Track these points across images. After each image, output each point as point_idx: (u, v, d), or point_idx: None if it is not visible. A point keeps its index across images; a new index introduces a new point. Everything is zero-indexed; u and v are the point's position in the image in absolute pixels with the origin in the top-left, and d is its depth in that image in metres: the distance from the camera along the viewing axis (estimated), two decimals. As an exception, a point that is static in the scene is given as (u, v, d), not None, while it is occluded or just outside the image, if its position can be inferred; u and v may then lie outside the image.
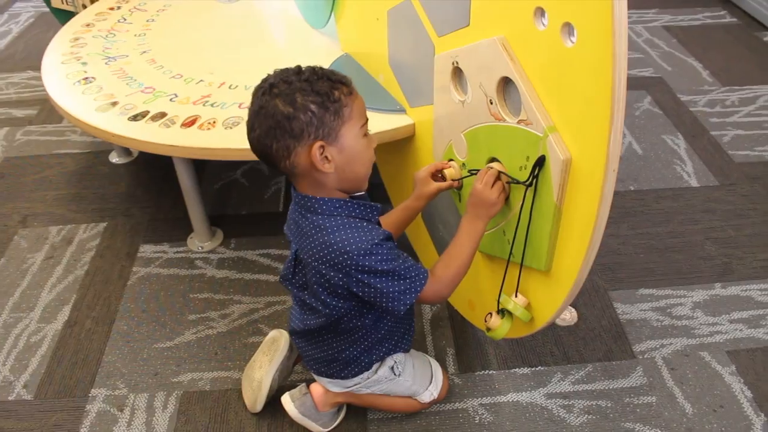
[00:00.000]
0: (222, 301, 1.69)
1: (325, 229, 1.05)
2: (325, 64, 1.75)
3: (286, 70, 1.03)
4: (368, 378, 1.29)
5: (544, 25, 0.95)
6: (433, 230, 1.59)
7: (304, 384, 1.37)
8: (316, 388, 1.35)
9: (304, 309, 1.21)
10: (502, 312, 1.24)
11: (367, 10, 1.59)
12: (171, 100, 1.66)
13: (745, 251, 1.85)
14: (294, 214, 1.12)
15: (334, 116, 1.00)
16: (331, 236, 1.04)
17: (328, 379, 1.31)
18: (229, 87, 1.71)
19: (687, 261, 1.81)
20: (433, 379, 1.38)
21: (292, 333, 1.31)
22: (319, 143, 0.99)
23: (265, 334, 1.59)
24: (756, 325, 1.63)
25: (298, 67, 1.03)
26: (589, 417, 1.41)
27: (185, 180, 1.71)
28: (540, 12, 0.95)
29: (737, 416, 1.43)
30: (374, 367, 1.29)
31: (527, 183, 1.05)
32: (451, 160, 1.32)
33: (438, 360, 1.47)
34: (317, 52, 1.87)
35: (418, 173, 1.27)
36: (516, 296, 1.22)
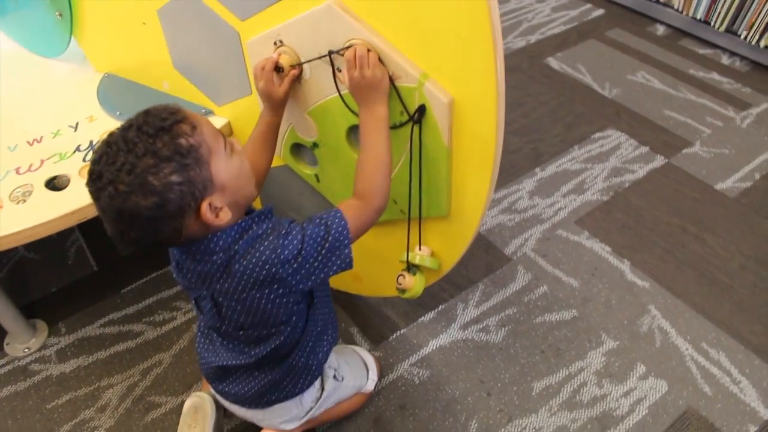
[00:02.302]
0: (90, 394, 1.43)
1: (233, 258, 0.92)
2: (85, 93, 1.54)
3: (111, 149, 0.81)
4: (319, 399, 1.21)
5: (387, -26, 0.91)
6: (288, 222, 1.50)
7: None
8: None
9: (246, 344, 1.07)
10: (411, 269, 1.22)
11: (126, 18, 1.38)
12: None
13: (542, 133, 2.05)
14: (188, 263, 0.96)
15: (198, 167, 0.84)
16: (244, 260, 0.91)
17: (281, 408, 1.18)
18: (-12, 155, 1.39)
19: (503, 158, 1.94)
20: (368, 365, 1.34)
21: (221, 376, 1.14)
22: (204, 204, 0.85)
23: (161, 405, 1.40)
24: (582, 191, 1.84)
25: (110, 140, 0.82)
26: (506, 328, 1.49)
27: (-21, 282, 1.38)
28: (377, -38, 0.90)
29: (610, 270, 1.61)
30: (317, 385, 1.20)
31: (414, 119, 1.00)
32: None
33: (348, 343, 1.42)
34: (67, 82, 1.59)
35: (258, 83, 1.09)
36: (420, 249, 1.21)
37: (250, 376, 1.12)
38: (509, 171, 1.91)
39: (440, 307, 1.55)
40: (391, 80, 0.99)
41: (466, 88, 0.95)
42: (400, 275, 1.22)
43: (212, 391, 1.25)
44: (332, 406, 1.27)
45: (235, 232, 0.93)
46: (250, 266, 0.91)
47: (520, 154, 1.97)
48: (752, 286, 1.59)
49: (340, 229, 0.95)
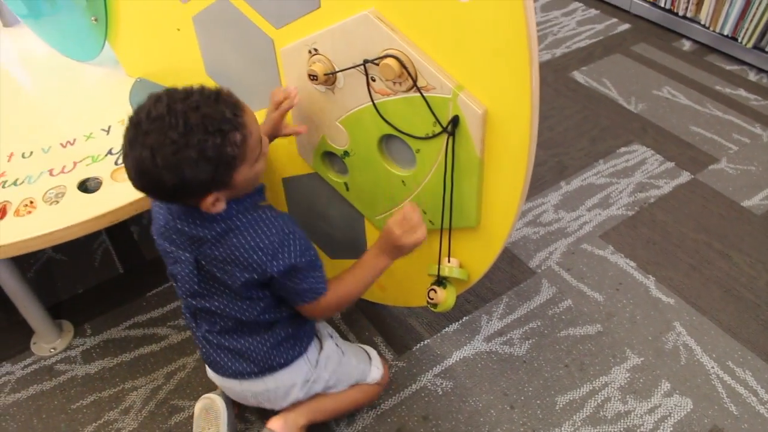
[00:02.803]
0: (114, 396, 1.45)
1: (231, 231, 1.00)
2: (117, 97, 1.56)
3: (161, 118, 0.87)
4: (318, 360, 1.23)
5: (426, -15, 0.91)
6: (314, 230, 1.50)
7: (264, 429, 1.24)
8: (275, 423, 1.22)
9: (233, 307, 1.09)
10: (441, 282, 1.22)
11: (160, 24, 1.40)
12: (-44, 194, 1.33)
13: (567, 146, 2.05)
14: (176, 222, 1.01)
15: (226, 171, 0.92)
16: (240, 238, 0.99)
17: (285, 373, 1.19)
18: (23, 156, 1.41)
19: (528, 171, 1.96)
20: (371, 355, 1.35)
21: (223, 339, 1.16)
22: (210, 198, 0.94)
23: (184, 409, 1.40)
24: (607, 206, 1.83)
25: (173, 115, 0.87)
26: (530, 341, 1.48)
27: (10, 282, 1.39)
28: (417, -27, 0.91)
29: (635, 286, 1.60)
30: (315, 345, 1.24)
31: (449, 131, 1.01)
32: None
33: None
34: (100, 86, 1.62)
35: (272, 113, 1.16)
36: (449, 261, 1.21)
37: (243, 340, 1.14)
38: (534, 184, 1.91)
39: (464, 318, 1.55)
40: (419, 89, 0.99)
41: (500, 100, 0.95)
42: (431, 290, 1.22)
43: (220, 390, 1.28)
44: (337, 394, 1.27)
45: (236, 205, 1.00)
46: (240, 246, 0.99)
47: (545, 167, 1.96)
48: (780, 305, 1.57)
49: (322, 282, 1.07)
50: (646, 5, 2.68)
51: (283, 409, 1.25)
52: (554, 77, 2.38)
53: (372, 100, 1.08)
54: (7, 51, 1.82)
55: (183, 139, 0.86)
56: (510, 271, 1.65)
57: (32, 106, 1.59)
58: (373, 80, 1.06)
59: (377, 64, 1.01)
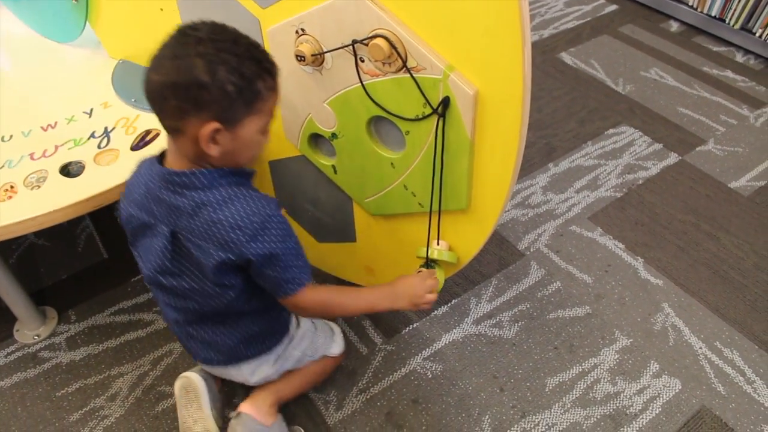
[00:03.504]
0: (100, 383, 1.43)
1: (209, 204, 0.96)
2: (99, 79, 1.53)
3: (221, 28, 0.91)
4: (293, 336, 1.23)
5: (415, -37, 0.89)
6: (301, 214, 1.49)
7: (233, 413, 1.24)
8: (246, 406, 1.22)
9: (204, 292, 1.06)
10: (429, 265, 1.22)
11: (143, 4, 1.37)
12: (-68, 180, 1.30)
13: (555, 128, 2.04)
14: (157, 190, 0.98)
15: (245, 106, 0.91)
16: (219, 212, 0.95)
17: (254, 363, 1.20)
18: (2, 140, 1.37)
19: (517, 154, 1.95)
20: (334, 330, 1.36)
21: (195, 340, 1.16)
22: (214, 125, 0.90)
23: (171, 395, 1.39)
24: (595, 187, 1.82)
25: (236, 32, 0.91)
26: (519, 324, 1.48)
27: (-9, 268, 1.37)
28: (404, -49, 0.89)
29: (623, 267, 1.60)
30: (293, 322, 1.24)
31: (439, 113, 0.99)
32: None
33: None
34: (81, 68, 1.58)
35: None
36: (438, 244, 1.20)
37: (212, 329, 1.13)
38: (523, 166, 1.87)
39: (453, 301, 1.54)
40: (411, 71, 0.98)
41: (491, 81, 0.93)
42: (418, 272, 1.21)
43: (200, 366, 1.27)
44: (301, 369, 1.28)
45: (220, 176, 0.97)
46: (219, 221, 0.95)
47: (534, 149, 1.96)
48: (766, 285, 1.58)
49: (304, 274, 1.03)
50: (634, -14, 2.67)
51: (253, 387, 1.26)
52: (542, 58, 2.37)
53: (361, 81, 1.06)
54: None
55: (232, 46, 0.88)
56: (499, 254, 1.64)
57: (11, 88, 1.55)
58: (362, 61, 1.04)
59: (366, 45, 0.99)
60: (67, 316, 1.57)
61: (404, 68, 0.98)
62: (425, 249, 1.21)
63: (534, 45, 2.44)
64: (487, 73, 0.93)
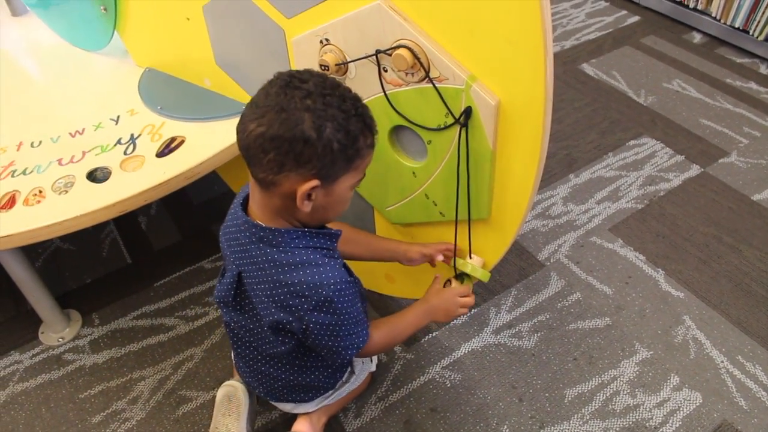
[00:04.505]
0: (122, 386, 1.45)
1: (281, 266, 0.93)
2: (126, 87, 1.55)
3: (328, 81, 0.88)
4: (339, 388, 1.23)
5: (438, -26, 0.90)
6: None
7: None
8: (302, 425, 1.23)
9: (258, 335, 1.08)
10: (460, 277, 1.21)
11: (170, 14, 1.40)
12: (-35, 184, 1.33)
13: (576, 139, 2.04)
14: (239, 234, 0.97)
15: (346, 163, 0.89)
16: (288, 275, 0.93)
17: (295, 404, 1.21)
18: (32, 145, 1.40)
19: (537, 164, 1.95)
20: None
21: (244, 365, 1.17)
22: (314, 182, 0.87)
23: (192, 399, 1.41)
24: (616, 198, 1.82)
25: (342, 87, 0.89)
26: (539, 334, 1.48)
27: (18, 272, 1.39)
28: (429, -38, 0.90)
29: (644, 279, 1.59)
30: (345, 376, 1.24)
31: (461, 122, 1.00)
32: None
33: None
34: (108, 76, 1.61)
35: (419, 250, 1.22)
36: (471, 257, 1.20)
37: (263, 367, 1.13)
38: (543, 176, 1.89)
39: (473, 310, 1.54)
40: (434, 81, 0.98)
41: (513, 91, 0.94)
42: (448, 280, 1.21)
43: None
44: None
45: (298, 238, 0.94)
46: (287, 284, 0.93)
47: (554, 160, 1.95)
48: (790, 300, 1.56)
49: (359, 340, 1.01)
50: (657, -3, 2.66)
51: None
52: (563, 69, 2.37)
53: (384, 91, 1.07)
54: (15, 40, 1.81)
55: (340, 101, 0.85)
56: (519, 264, 1.64)
57: (41, 95, 1.58)
58: (385, 71, 1.05)
59: (389, 55, 1.00)
60: (90, 320, 1.60)
61: (427, 78, 0.99)
62: (460, 261, 1.20)
63: (556, 56, 2.44)
64: (509, 84, 0.94)
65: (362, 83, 1.10)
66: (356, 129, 0.87)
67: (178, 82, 1.53)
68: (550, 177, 1.90)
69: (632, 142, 2.02)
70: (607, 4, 2.76)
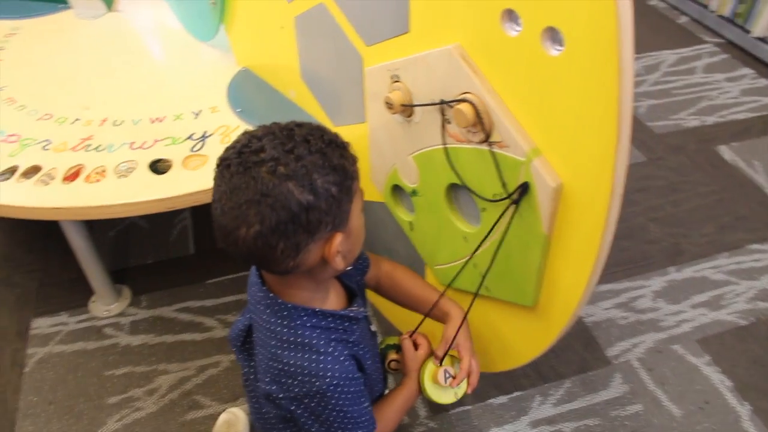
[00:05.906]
0: (145, 374, 1.44)
1: (281, 341, 0.83)
2: (218, 83, 1.55)
3: (278, 131, 0.75)
4: None
5: (516, 30, 0.79)
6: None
7: None
8: None
9: (257, 391, 1.00)
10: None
11: (268, 18, 1.38)
12: (44, 148, 1.37)
13: (689, 228, 1.81)
14: (255, 288, 0.87)
15: (347, 195, 0.77)
16: (286, 353, 0.83)
17: None
18: (114, 123, 1.43)
19: (636, 247, 1.74)
20: None
21: (248, 402, 1.08)
22: (338, 237, 0.77)
23: (203, 407, 1.37)
24: (717, 307, 1.59)
25: (295, 129, 0.76)
26: (580, 441, 1.31)
27: (76, 240, 1.43)
28: (509, 15, 0.79)
29: (724, 410, 1.36)
30: None
31: (514, 200, 0.88)
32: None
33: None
34: (208, 69, 1.62)
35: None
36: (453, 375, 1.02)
37: (266, 419, 1.03)
38: (639, 262, 1.70)
39: (515, 393, 1.39)
40: (491, 144, 0.87)
41: (578, 175, 0.81)
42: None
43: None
44: None
45: (317, 321, 0.84)
46: (289, 365, 0.83)
47: (657, 247, 1.74)
48: None
49: None
50: (830, 87, 2.34)
51: None
52: (696, 147, 2.12)
53: (444, 144, 0.97)
54: (145, 18, 1.89)
55: (303, 146, 0.73)
56: (582, 354, 1.47)
57: (145, 76, 1.62)
58: (449, 122, 0.95)
59: (452, 107, 0.90)
60: (138, 300, 1.62)
61: (486, 141, 0.88)
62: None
63: (691, 131, 2.20)
64: (575, 166, 0.80)
65: (426, 129, 1.01)
66: (337, 159, 0.75)
67: (267, 88, 1.51)
68: (646, 265, 1.69)
69: (755, 246, 1.76)
70: (769, 83, 2.46)
